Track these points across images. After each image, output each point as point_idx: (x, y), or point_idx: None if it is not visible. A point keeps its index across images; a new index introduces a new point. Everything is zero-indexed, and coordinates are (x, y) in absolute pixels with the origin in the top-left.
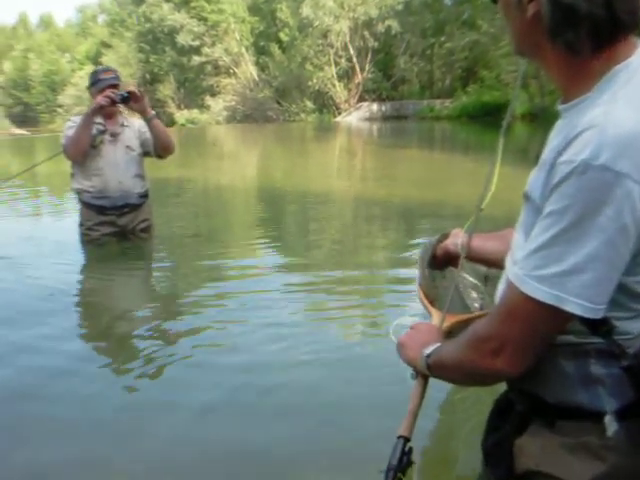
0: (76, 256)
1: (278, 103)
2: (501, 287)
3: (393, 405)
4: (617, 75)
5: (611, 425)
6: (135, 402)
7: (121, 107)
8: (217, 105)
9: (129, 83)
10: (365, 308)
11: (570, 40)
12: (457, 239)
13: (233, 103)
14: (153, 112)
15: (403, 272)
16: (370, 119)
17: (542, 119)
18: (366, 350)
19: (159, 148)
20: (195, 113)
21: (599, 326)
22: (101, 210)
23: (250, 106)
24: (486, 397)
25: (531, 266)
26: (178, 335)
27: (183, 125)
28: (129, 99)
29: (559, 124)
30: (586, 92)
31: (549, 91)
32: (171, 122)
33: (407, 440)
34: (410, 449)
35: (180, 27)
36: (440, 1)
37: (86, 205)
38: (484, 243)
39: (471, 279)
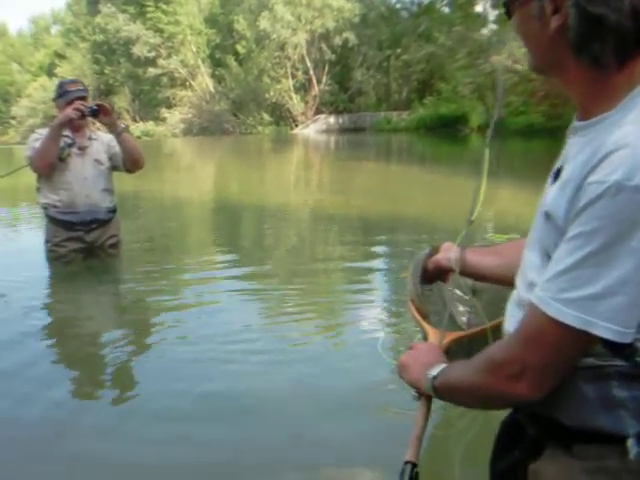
0: (41, 274)
1: (235, 115)
2: (510, 308)
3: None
4: None
5: (633, 448)
6: (101, 423)
7: (89, 120)
8: (173, 117)
9: None
10: (325, 321)
11: (597, 53)
12: (449, 253)
13: (189, 115)
14: (123, 125)
15: (359, 285)
16: (327, 131)
17: (499, 131)
18: (332, 370)
19: (129, 162)
20: (151, 125)
21: (622, 348)
22: (69, 226)
23: (206, 118)
24: (481, 413)
25: (557, 288)
26: (144, 353)
27: (139, 137)
28: (99, 112)
29: (578, 141)
30: (608, 110)
31: (506, 103)
32: None
33: (414, 465)
34: (417, 474)
35: (136, 38)
36: (397, 13)
37: (53, 220)
38: (480, 258)
39: (458, 292)
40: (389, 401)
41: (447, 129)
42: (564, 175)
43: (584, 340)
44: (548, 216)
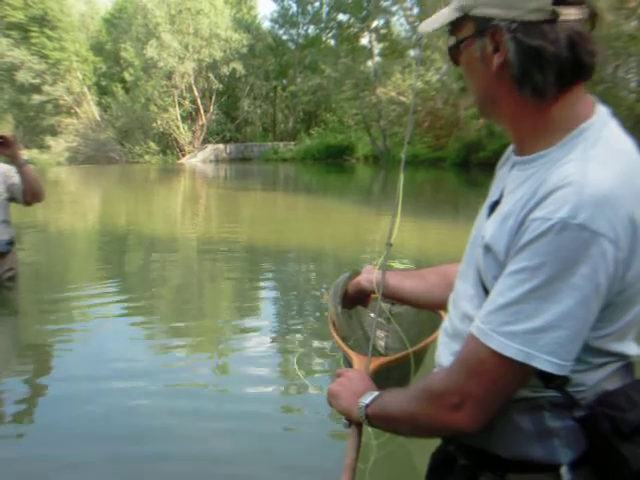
0: None
1: (121, 144)
2: (443, 338)
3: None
4: (584, 133)
5: (566, 476)
6: None
7: None
8: (58, 145)
9: None
10: (213, 355)
11: (538, 83)
12: (371, 275)
13: (75, 144)
14: (25, 157)
15: (247, 320)
16: (215, 161)
17: (384, 161)
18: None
19: (29, 195)
20: (35, 153)
21: (555, 379)
22: None
23: (92, 147)
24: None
25: (500, 321)
26: (43, 387)
27: None
28: (1, 144)
29: (518, 175)
30: (548, 146)
31: (390, 134)
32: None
33: None
34: None
35: (20, 64)
36: (284, 45)
37: None
38: (401, 281)
39: (377, 318)
40: (307, 426)
41: (334, 159)
42: (503, 209)
43: (524, 372)
44: (488, 249)
